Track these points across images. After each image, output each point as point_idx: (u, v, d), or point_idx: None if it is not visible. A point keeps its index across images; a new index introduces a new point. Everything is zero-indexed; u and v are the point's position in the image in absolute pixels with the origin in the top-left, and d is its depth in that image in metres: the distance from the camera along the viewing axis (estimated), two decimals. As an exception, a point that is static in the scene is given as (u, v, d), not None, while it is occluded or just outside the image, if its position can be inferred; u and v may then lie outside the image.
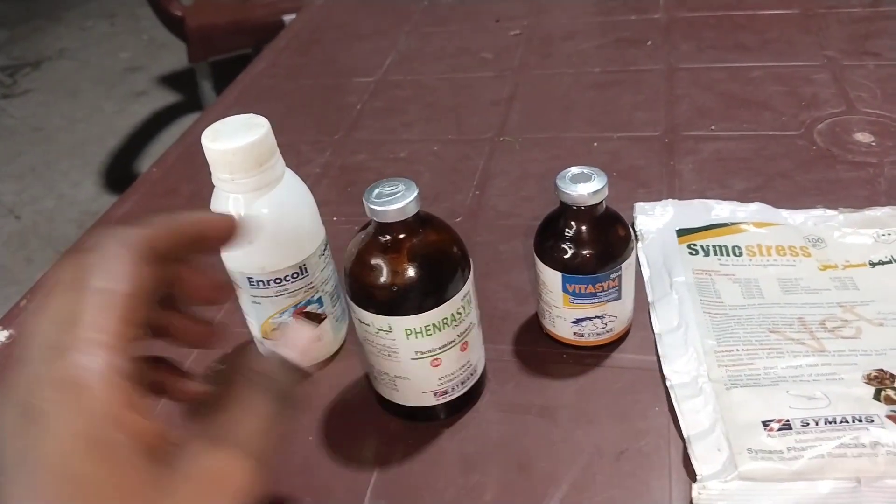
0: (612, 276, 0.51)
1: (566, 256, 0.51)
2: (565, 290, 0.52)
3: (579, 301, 0.52)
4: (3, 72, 3.63)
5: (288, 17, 2.16)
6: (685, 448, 0.48)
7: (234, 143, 0.47)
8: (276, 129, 0.94)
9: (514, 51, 1.00)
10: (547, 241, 0.52)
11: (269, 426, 0.29)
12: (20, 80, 3.55)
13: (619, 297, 0.52)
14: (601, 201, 0.50)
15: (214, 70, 2.39)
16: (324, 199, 0.77)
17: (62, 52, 3.80)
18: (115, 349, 0.25)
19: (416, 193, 0.45)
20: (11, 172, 2.82)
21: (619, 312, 0.53)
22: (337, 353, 0.59)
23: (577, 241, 0.51)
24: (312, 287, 0.54)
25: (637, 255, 0.62)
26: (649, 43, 0.95)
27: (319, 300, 0.55)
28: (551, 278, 0.52)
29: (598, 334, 0.54)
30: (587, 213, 0.50)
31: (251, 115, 0.50)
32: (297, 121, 0.93)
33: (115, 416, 0.24)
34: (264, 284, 0.52)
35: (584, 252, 0.51)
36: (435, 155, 0.82)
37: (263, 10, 2.26)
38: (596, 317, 0.53)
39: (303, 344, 0.33)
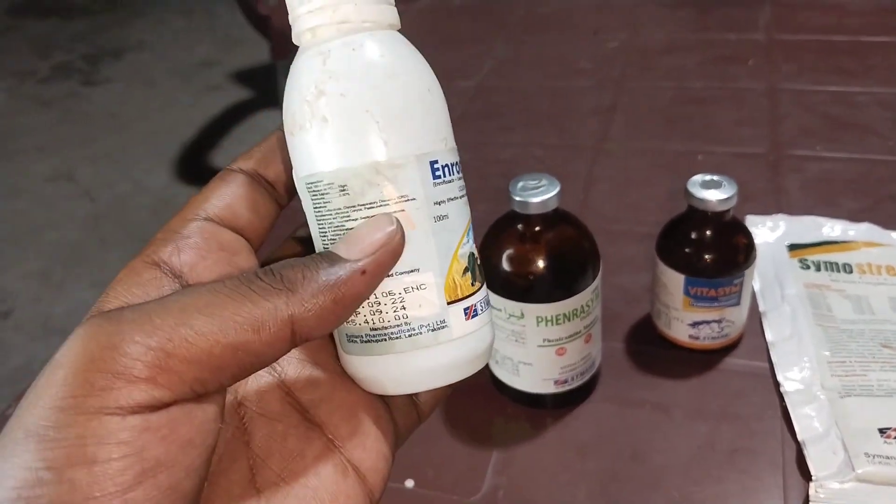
0: (735, 281, 0.53)
1: (691, 259, 0.53)
2: (686, 292, 0.54)
3: (699, 304, 0.54)
4: (84, 60, 3.75)
5: (370, 21, 2.21)
6: (798, 450, 0.49)
7: None
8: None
9: (613, 63, 1.02)
10: (671, 244, 0.54)
11: None
12: (101, 69, 3.67)
13: (737, 303, 0.54)
14: (729, 209, 0.52)
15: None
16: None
17: (141, 44, 3.92)
18: None
19: (558, 189, 0.48)
20: (88, 156, 2.92)
21: (735, 318, 0.55)
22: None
23: (702, 245, 0.53)
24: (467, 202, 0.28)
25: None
26: (750, 62, 0.97)
27: (470, 231, 0.29)
28: (673, 280, 0.54)
29: (713, 338, 0.55)
30: (715, 219, 0.52)
31: None
32: (401, 119, 0.96)
33: None
34: (451, 171, 0.27)
35: (709, 256, 0.53)
36: (538, 159, 0.84)
37: (346, 12, 2.32)
38: (714, 321, 0.54)
39: (373, 244, 0.23)
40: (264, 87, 2.94)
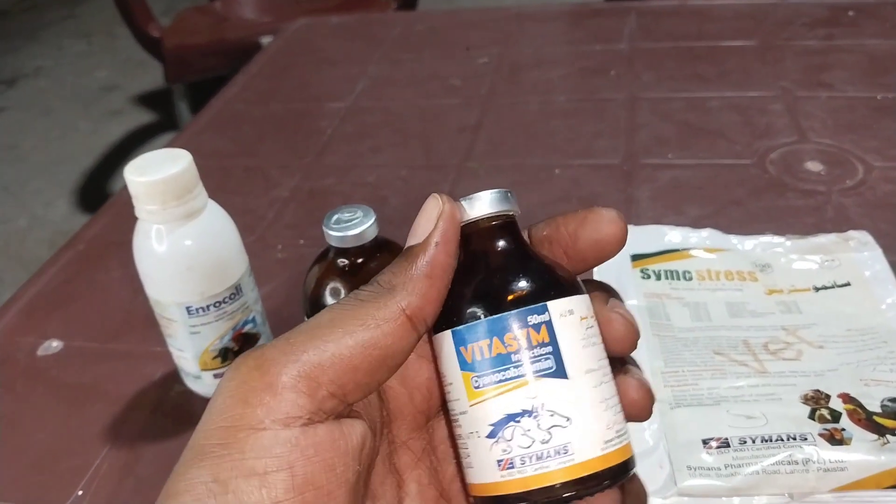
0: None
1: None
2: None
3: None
4: (-24, 89, 3.61)
5: (264, 40, 2.18)
6: (632, 466, 0.50)
7: (164, 172, 0.47)
8: (247, 153, 0.97)
9: (482, 78, 1.03)
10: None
11: None
12: (-5, 98, 3.53)
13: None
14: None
15: (191, 91, 2.40)
16: (290, 223, 0.79)
17: (38, 70, 3.80)
18: None
19: (373, 219, 0.47)
20: (-17, 191, 2.81)
21: None
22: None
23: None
24: (247, 307, 0.55)
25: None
26: (612, 73, 0.98)
27: (254, 319, 0.56)
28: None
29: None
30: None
31: (171, 149, 0.50)
32: (268, 145, 0.94)
33: None
34: (204, 311, 0.52)
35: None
36: (402, 180, 0.84)
37: (240, 32, 2.28)
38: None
39: (430, 220, 0.27)
40: (166, 110, 2.87)
